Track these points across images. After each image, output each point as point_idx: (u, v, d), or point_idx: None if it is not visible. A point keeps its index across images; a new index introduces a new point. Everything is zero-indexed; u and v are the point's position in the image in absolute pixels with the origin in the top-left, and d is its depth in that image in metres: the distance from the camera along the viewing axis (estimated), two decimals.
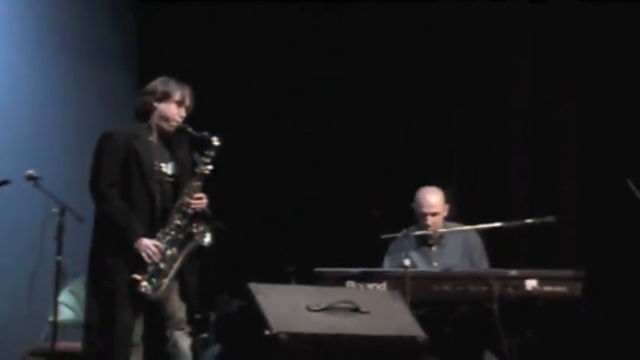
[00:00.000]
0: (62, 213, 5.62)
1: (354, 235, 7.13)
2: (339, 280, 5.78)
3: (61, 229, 5.59)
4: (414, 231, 6.16)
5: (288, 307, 4.86)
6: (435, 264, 6.18)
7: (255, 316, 4.82)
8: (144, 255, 4.98)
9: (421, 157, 7.42)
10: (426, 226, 6.18)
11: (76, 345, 6.08)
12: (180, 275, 5.11)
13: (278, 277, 5.78)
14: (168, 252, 5.05)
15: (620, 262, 6.72)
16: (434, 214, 6.20)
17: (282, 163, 7.68)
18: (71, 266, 5.88)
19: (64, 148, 7.29)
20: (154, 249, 5.00)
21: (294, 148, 7.71)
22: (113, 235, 5.03)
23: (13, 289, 6.53)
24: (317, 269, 5.81)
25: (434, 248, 6.24)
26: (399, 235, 5.81)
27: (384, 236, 5.95)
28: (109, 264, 5.02)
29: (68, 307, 6.51)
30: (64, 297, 6.41)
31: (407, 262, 5.71)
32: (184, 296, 5.16)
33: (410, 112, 7.54)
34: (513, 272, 5.82)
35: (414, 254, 6.19)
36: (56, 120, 7.39)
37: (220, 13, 7.88)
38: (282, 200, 7.59)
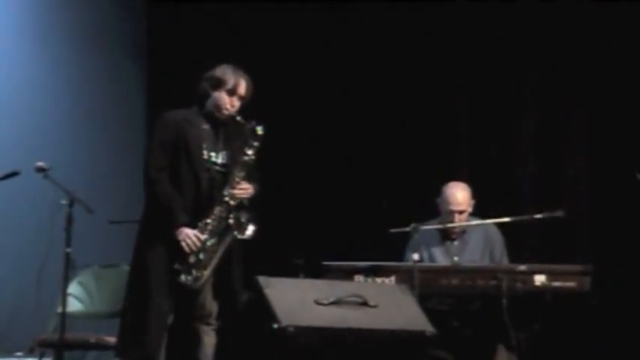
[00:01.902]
0: (71, 204, 5.62)
1: (362, 228, 7.13)
2: (348, 274, 5.76)
3: (70, 220, 5.59)
4: (435, 224, 6.17)
5: (296, 300, 4.86)
6: (456, 258, 6.16)
7: (263, 310, 4.82)
8: (183, 244, 4.97)
9: (430, 150, 7.41)
10: (451, 222, 6.16)
11: (83, 336, 6.11)
12: (220, 270, 5.09)
13: (286, 270, 5.78)
14: (209, 243, 5.03)
15: (629, 257, 6.71)
16: (461, 212, 6.18)
17: (291, 157, 7.66)
18: (80, 258, 5.89)
19: (73, 139, 7.30)
20: (194, 239, 4.98)
21: (302, 142, 7.70)
22: (158, 221, 5.01)
23: (21, 280, 6.54)
24: (325, 263, 5.81)
25: (456, 243, 6.24)
26: (408, 229, 5.80)
27: (392, 230, 5.94)
28: (151, 251, 5.00)
29: (77, 298, 6.51)
30: (73, 288, 6.41)
31: (415, 256, 5.71)
32: (219, 293, 5.13)
33: (417, 106, 7.54)
34: (522, 267, 5.80)
35: (436, 248, 6.20)
36: (66, 111, 7.39)
37: (231, 3, 7.87)
38: (291, 193, 7.58)
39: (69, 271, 5.66)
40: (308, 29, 7.83)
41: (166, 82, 7.61)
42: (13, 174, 5.86)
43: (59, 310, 5.77)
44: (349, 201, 7.50)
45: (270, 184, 7.55)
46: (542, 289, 5.72)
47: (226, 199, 5.06)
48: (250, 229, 5.08)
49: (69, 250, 5.58)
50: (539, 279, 5.72)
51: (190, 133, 5.08)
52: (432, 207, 6.49)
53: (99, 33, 7.70)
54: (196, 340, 5.13)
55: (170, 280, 4.97)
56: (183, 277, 4.97)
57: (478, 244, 6.22)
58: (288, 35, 7.84)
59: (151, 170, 5.06)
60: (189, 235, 4.98)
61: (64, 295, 5.69)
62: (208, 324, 5.16)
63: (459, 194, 6.22)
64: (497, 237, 6.23)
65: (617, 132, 6.99)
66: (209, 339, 5.15)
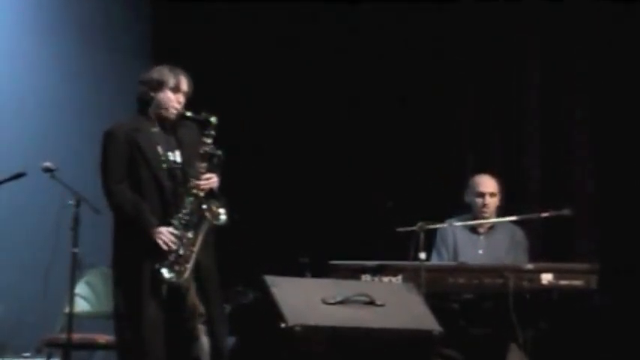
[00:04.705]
0: (78, 204, 5.64)
1: (369, 227, 7.13)
2: (355, 273, 5.77)
3: (76, 220, 5.61)
4: (463, 220, 6.22)
5: (303, 299, 4.85)
6: (480, 251, 6.21)
7: (270, 309, 4.82)
8: (160, 243, 4.99)
9: (436, 150, 7.41)
10: (483, 206, 6.23)
11: (91, 336, 6.12)
12: (196, 270, 5.11)
13: (293, 269, 5.78)
14: (186, 237, 5.06)
15: (635, 255, 6.70)
16: (492, 195, 6.25)
17: (297, 155, 7.67)
18: (87, 258, 5.90)
19: (80, 140, 7.29)
20: (170, 236, 5.01)
21: (309, 140, 7.70)
22: (130, 228, 5.04)
23: (29, 280, 6.55)
24: (332, 262, 5.81)
25: (482, 237, 6.27)
26: (415, 228, 5.80)
27: (399, 229, 5.94)
28: (131, 256, 5.03)
29: (83, 298, 6.52)
30: (80, 288, 6.42)
31: (422, 255, 5.71)
32: (201, 292, 5.15)
33: (424, 106, 7.53)
34: (529, 266, 5.81)
35: (462, 241, 6.24)
36: (72, 111, 7.39)
37: (236, 2, 7.88)
38: (298, 192, 7.58)
39: (76, 271, 5.67)
40: (312, 28, 7.83)
41: None
42: (20, 175, 5.87)
43: (66, 310, 5.78)
44: (356, 200, 7.50)
45: (276, 184, 7.60)
46: (549, 288, 5.72)
47: (194, 191, 5.09)
48: (223, 216, 5.10)
49: (76, 250, 5.59)
50: (546, 277, 5.72)
51: (142, 140, 5.11)
52: (439, 206, 6.50)
53: (105, 31, 7.71)
54: (194, 340, 5.15)
55: (155, 283, 5.00)
56: (167, 275, 4.99)
57: (504, 242, 6.25)
58: (294, 34, 7.84)
59: (110, 183, 5.09)
60: (164, 234, 5.01)
61: (72, 295, 5.70)
62: (203, 322, 5.17)
63: (487, 178, 6.33)
64: (524, 241, 6.28)
65: (624, 130, 6.98)
66: (205, 337, 5.16)
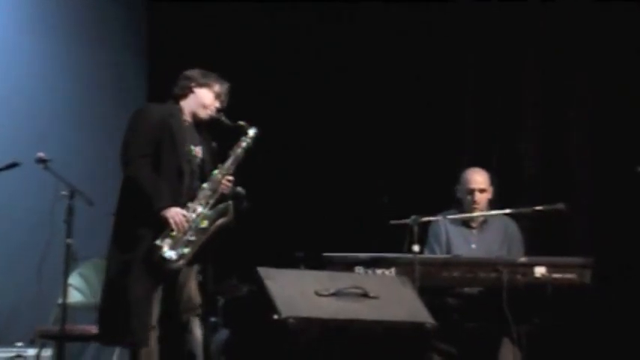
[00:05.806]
0: (72, 196, 5.62)
1: (363, 220, 7.13)
2: (348, 266, 5.76)
3: (70, 211, 5.60)
4: (453, 214, 6.21)
5: (296, 291, 4.86)
6: (473, 246, 6.20)
7: (263, 301, 4.82)
8: (172, 222, 4.98)
9: (432, 144, 7.41)
10: (473, 203, 6.20)
11: (84, 328, 6.12)
12: (201, 261, 5.12)
13: (287, 262, 5.78)
14: (197, 225, 5.06)
15: (629, 250, 6.71)
16: (482, 191, 6.22)
17: (292, 149, 7.67)
18: (80, 249, 5.89)
19: (74, 131, 7.30)
20: (183, 218, 5.00)
21: (303, 134, 7.70)
22: (138, 204, 5.01)
23: (23, 272, 6.55)
24: (326, 254, 5.81)
25: (475, 231, 6.26)
26: (408, 221, 5.80)
27: (392, 222, 5.94)
28: (131, 234, 5.01)
29: (77, 289, 6.53)
30: (73, 280, 6.43)
31: (416, 247, 5.71)
32: (202, 285, 5.16)
33: (420, 99, 7.53)
34: (522, 259, 5.81)
35: (455, 235, 6.22)
36: (67, 104, 7.39)
37: (232, 1, 7.88)
38: (292, 185, 7.58)
39: (70, 262, 5.66)
40: (310, 27, 7.85)
41: (166, 78, 7.63)
42: (13, 165, 5.87)
43: (60, 301, 5.77)
44: (350, 193, 7.50)
45: (271, 177, 7.60)
46: (543, 281, 5.72)
47: (215, 186, 5.15)
48: (230, 216, 5.14)
49: (70, 241, 5.58)
50: (540, 271, 5.73)
51: (174, 126, 5.13)
52: (434, 199, 6.51)
53: (100, 28, 7.72)
54: (188, 333, 5.15)
55: (151, 266, 4.98)
56: (167, 253, 4.97)
57: (498, 236, 6.24)
58: (291, 33, 7.84)
59: (132, 154, 5.06)
60: (178, 214, 5.00)
61: (65, 287, 5.70)
62: (197, 315, 5.18)
63: (477, 174, 6.29)
64: (517, 232, 6.27)
65: (620, 125, 6.99)
66: (198, 330, 5.16)
